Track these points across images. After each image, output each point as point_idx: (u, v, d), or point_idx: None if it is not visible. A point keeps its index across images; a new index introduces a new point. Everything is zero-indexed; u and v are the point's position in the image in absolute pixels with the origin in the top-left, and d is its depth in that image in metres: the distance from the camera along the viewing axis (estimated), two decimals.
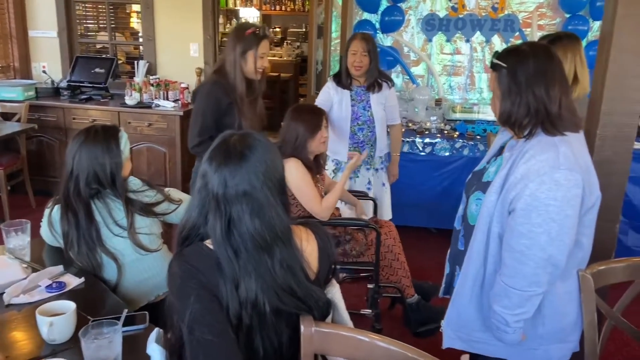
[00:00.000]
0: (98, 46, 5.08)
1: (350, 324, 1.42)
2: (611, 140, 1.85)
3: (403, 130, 3.84)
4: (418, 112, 4.31)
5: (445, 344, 1.69)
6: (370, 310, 2.53)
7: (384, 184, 3.28)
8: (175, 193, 1.97)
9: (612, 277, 1.65)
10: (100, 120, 4.29)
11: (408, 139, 3.89)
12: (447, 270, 1.80)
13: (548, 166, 1.40)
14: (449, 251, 1.80)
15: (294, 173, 2.38)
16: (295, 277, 1.22)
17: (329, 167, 3.25)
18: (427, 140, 3.88)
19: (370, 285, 2.53)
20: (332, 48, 4.33)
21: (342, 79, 3.10)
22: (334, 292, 1.41)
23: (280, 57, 8.27)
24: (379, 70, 3.12)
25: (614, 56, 1.78)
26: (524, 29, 4.17)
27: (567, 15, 4.07)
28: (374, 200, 2.85)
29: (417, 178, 3.84)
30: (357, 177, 3.22)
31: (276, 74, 7.59)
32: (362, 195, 2.92)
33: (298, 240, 1.29)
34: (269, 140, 1.27)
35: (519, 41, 4.19)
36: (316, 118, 2.44)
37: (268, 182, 1.20)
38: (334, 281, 1.45)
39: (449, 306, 1.67)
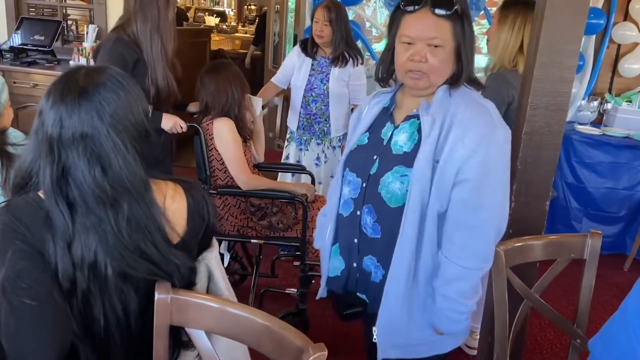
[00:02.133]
0: (47, 7, 4.81)
1: (228, 294, 1.27)
2: (543, 109, 1.71)
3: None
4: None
5: (380, 356, 1.40)
6: (295, 290, 2.38)
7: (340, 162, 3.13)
8: None
9: (531, 254, 1.51)
10: (43, 86, 4.06)
11: None
12: (339, 264, 1.47)
13: (488, 128, 1.27)
14: (337, 243, 1.47)
15: (228, 134, 2.27)
16: (148, 238, 1.06)
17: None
18: None
19: (296, 263, 2.38)
20: (289, 20, 4.14)
21: (307, 47, 2.98)
22: (210, 258, 1.25)
23: (252, 34, 8.04)
24: (348, 43, 2.93)
25: (549, 16, 1.63)
26: (489, 8, 4.02)
27: None
28: (311, 174, 2.70)
29: None
30: (307, 150, 3.11)
31: (245, 50, 7.37)
32: (298, 169, 2.77)
33: (161, 197, 1.13)
34: (128, 79, 1.10)
35: (484, 21, 4.06)
36: (237, 72, 2.35)
37: (117, 125, 1.03)
38: (213, 246, 1.29)
39: (379, 311, 1.36)
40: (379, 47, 4.24)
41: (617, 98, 3.90)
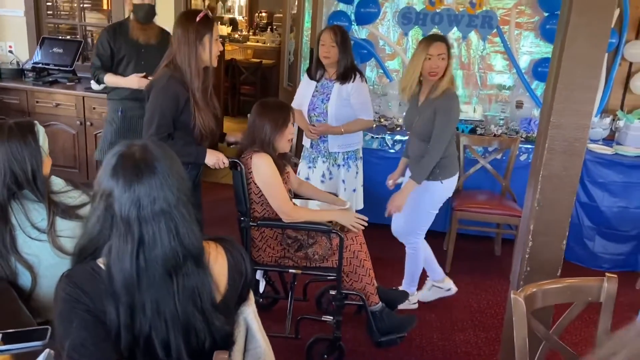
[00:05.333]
0: (67, 27, 4.91)
1: (265, 347, 1.35)
2: (560, 154, 1.77)
3: (374, 126, 3.78)
4: (391, 108, 4.23)
5: None
6: (331, 317, 2.46)
7: (344, 181, 3.22)
8: None
9: (549, 299, 1.58)
10: (65, 105, 4.17)
11: (378, 136, 3.81)
12: None
13: None
14: None
15: (265, 169, 2.32)
16: (197, 306, 1.14)
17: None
18: (397, 137, 3.81)
19: (332, 292, 2.45)
20: (305, 39, 4.21)
21: (312, 70, 3.19)
22: (248, 312, 1.34)
23: (264, 44, 8.11)
24: (352, 63, 3.10)
25: (565, 67, 1.70)
26: (501, 26, 4.07)
27: (546, 14, 3.97)
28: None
29: (386, 175, 3.76)
30: (315, 167, 3.26)
31: (258, 60, 7.44)
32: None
33: (206, 258, 1.21)
34: (167, 149, 1.18)
35: (497, 39, 4.11)
36: (283, 114, 2.37)
37: (182, 197, 1.12)
38: (251, 299, 1.37)
39: None
40: (391, 64, 4.29)
41: (629, 115, 3.93)
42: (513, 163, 3.59)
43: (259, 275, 2.57)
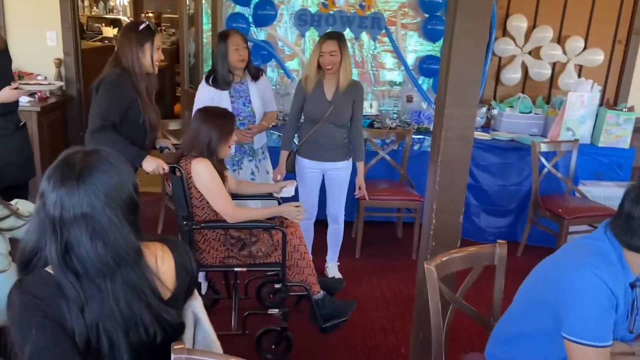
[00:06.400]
0: None
1: (213, 336, 1.44)
2: (454, 141, 2.04)
3: (279, 123, 3.94)
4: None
5: None
6: (277, 310, 2.56)
7: (268, 172, 3.37)
8: (25, 206, 1.82)
9: (454, 266, 1.84)
10: None
11: (281, 134, 3.96)
12: None
13: None
14: None
15: (205, 173, 2.38)
16: (143, 299, 1.20)
17: None
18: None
19: (277, 285, 2.56)
20: (204, 41, 4.23)
21: (222, 78, 3.13)
22: (195, 305, 1.42)
23: None
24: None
25: (454, 66, 1.96)
26: (389, 27, 4.40)
27: (426, 15, 4.37)
28: (278, 200, 2.86)
29: None
30: (241, 168, 3.33)
31: None
32: (267, 197, 2.88)
33: (152, 259, 1.27)
34: (117, 159, 1.23)
35: (385, 38, 4.44)
36: (229, 123, 2.48)
37: (111, 203, 1.16)
38: (196, 294, 1.45)
39: None
40: (291, 65, 4.46)
41: (501, 104, 4.47)
42: (408, 152, 3.93)
43: (201, 277, 2.61)
